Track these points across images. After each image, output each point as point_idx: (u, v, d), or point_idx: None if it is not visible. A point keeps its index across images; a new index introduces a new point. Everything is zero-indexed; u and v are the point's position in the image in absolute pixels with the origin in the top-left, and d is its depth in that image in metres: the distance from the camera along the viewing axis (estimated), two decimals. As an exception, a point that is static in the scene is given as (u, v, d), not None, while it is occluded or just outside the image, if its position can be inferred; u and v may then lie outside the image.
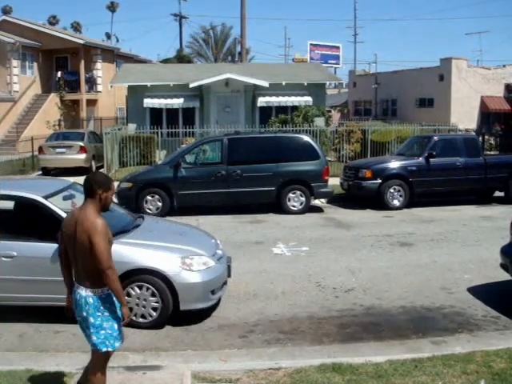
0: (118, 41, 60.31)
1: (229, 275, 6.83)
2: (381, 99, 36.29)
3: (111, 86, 27.39)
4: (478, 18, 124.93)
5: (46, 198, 6.38)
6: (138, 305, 6.07)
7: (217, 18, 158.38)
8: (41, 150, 20.25)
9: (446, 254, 9.30)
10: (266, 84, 22.66)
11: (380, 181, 13.65)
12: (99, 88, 33.89)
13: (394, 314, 6.65)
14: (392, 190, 13.67)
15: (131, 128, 22.17)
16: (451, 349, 5.50)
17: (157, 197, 12.80)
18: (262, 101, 23.20)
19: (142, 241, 6.37)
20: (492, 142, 27.43)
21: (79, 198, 7.05)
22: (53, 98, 31.15)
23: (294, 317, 6.56)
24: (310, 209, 13.35)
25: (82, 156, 19.95)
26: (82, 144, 20.03)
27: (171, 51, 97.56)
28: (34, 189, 6.64)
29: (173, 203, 12.85)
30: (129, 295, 5.99)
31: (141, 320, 6.11)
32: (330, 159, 17.22)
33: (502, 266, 7.13)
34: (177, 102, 22.97)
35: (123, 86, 25.77)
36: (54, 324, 6.19)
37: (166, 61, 40.79)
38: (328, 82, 28.22)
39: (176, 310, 6.14)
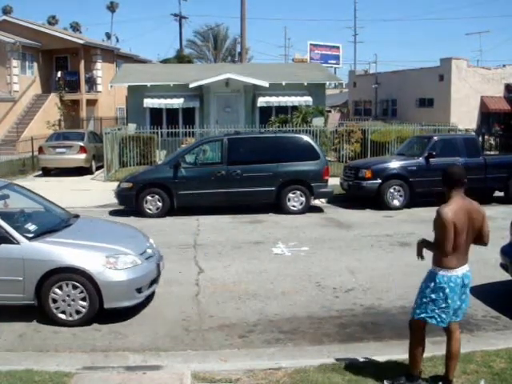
0: (117, 41, 60.43)
1: (158, 274, 6.89)
2: (381, 99, 36.29)
3: (111, 86, 27.39)
4: (477, 18, 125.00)
5: None
6: (64, 301, 6.17)
7: (217, 18, 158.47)
8: (41, 149, 20.26)
9: (445, 253, 9.29)
10: (265, 84, 22.66)
11: (380, 181, 13.65)
12: (99, 88, 33.90)
13: (393, 314, 6.65)
14: (392, 190, 13.67)
15: (131, 128, 22.18)
16: (451, 349, 5.48)
17: (157, 197, 12.80)
18: (261, 101, 23.20)
19: (68, 240, 6.48)
20: (492, 142, 27.43)
21: (14, 199, 7.30)
22: (53, 98, 31.15)
23: (294, 317, 6.56)
24: (309, 209, 13.34)
25: (82, 156, 19.96)
26: (81, 144, 20.04)
27: (171, 51, 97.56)
28: None
29: (173, 203, 12.85)
30: (55, 293, 6.16)
31: (67, 318, 6.21)
32: (329, 159, 17.22)
33: (502, 265, 7.13)
34: (177, 102, 22.97)
35: (123, 86, 25.77)
36: (53, 324, 6.18)
37: (165, 61, 40.77)
38: (328, 82, 28.21)
39: (101, 308, 6.23)
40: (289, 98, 23.14)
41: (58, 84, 31.53)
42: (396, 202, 13.67)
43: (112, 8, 70.94)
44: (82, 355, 5.52)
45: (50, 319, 6.20)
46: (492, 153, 23.26)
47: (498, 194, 14.69)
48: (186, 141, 19.75)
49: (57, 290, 6.16)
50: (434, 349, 5.52)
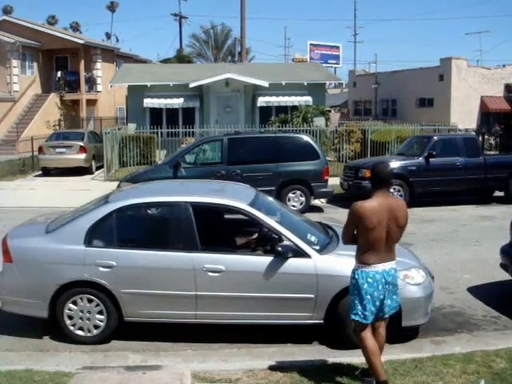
0: (117, 41, 60.38)
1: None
2: (381, 99, 36.30)
3: (111, 86, 27.38)
4: (478, 18, 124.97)
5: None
6: None
7: (217, 18, 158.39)
8: (41, 149, 20.26)
9: (446, 254, 9.30)
10: (265, 84, 22.66)
11: (380, 181, 13.61)
12: (99, 88, 33.89)
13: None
14: (392, 190, 13.64)
15: (131, 128, 22.19)
16: (451, 349, 5.49)
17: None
18: (261, 101, 23.21)
19: (350, 252, 5.37)
20: (492, 142, 27.43)
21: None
22: (53, 98, 31.16)
23: (294, 317, 6.54)
24: (309, 209, 13.33)
25: (82, 156, 19.95)
26: (81, 144, 20.04)
27: (171, 51, 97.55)
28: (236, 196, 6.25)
29: (173, 203, 12.83)
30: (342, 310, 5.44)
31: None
32: (329, 159, 17.21)
33: (502, 265, 7.13)
34: (177, 102, 22.97)
35: (123, 86, 25.78)
36: (54, 324, 6.18)
37: (165, 61, 40.78)
38: (328, 82, 28.23)
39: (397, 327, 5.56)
40: (289, 97, 23.15)
41: (58, 84, 31.57)
42: (396, 202, 13.63)
43: (112, 8, 70.84)
44: (82, 355, 5.51)
45: (339, 338, 5.62)
46: (492, 153, 23.26)
47: (497, 193, 14.70)
48: (186, 141, 19.75)
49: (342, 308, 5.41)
50: (433, 349, 5.53)
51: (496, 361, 5.07)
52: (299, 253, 5.58)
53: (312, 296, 5.56)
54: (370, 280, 4.49)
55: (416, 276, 5.74)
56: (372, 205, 4.47)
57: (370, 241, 4.47)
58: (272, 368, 5.12)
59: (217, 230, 6.42)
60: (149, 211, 6.37)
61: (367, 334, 4.59)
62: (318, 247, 5.79)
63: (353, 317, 4.60)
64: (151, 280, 5.67)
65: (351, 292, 4.62)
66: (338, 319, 5.50)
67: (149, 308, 5.73)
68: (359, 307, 4.53)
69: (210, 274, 5.58)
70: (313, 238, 6.00)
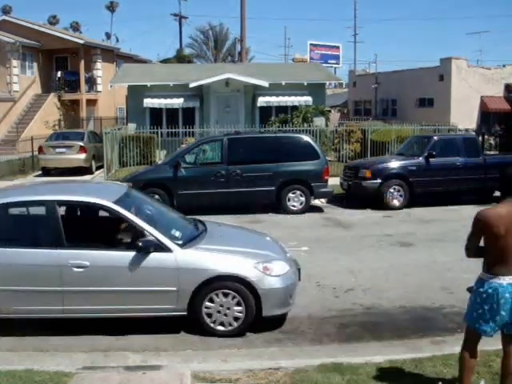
0: (117, 41, 60.25)
1: (299, 279, 6.56)
2: (381, 99, 36.30)
3: (111, 86, 27.37)
4: (477, 18, 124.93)
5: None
6: (219, 311, 5.87)
7: (217, 18, 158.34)
8: (41, 149, 20.26)
9: (445, 254, 9.30)
10: (265, 84, 22.66)
11: (380, 181, 13.65)
12: (99, 88, 33.88)
13: (393, 314, 6.65)
14: (392, 190, 13.67)
15: (131, 128, 22.18)
16: (451, 349, 5.48)
17: (157, 197, 12.75)
18: (261, 101, 23.20)
19: (217, 246, 6.16)
20: (492, 142, 27.43)
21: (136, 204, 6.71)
22: (53, 98, 31.16)
23: (294, 317, 6.55)
24: (309, 209, 13.35)
25: (82, 156, 19.96)
26: (81, 144, 20.04)
27: (171, 51, 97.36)
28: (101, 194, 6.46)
29: (173, 203, 12.84)
30: (210, 303, 5.86)
31: (226, 328, 5.92)
32: (329, 159, 17.21)
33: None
34: (177, 102, 22.96)
35: (123, 86, 25.76)
36: (53, 324, 6.18)
37: (165, 61, 40.79)
38: (328, 82, 28.22)
39: (257, 317, 5.95)
40: (289, 97, 23.14)
41: (58, 84, 31.56)
42: (396, 202, 13.67)
43: (112, 8, 70.74)
44: (82, 355, 5.52)
45: (203, 330, 5.93)
46: (492, 153, 23.26)
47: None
48: (186, 141, 19.75)
49: (212, 300, 5.85)
50: (433, 349, 5.53)
51: (496, 361, 5.06)
52: (161, 247, 5.82)
53: (174, 289, 5.81)
54: (498, 293, 4.15)
55: (276, 268, 6.04)
56: (501, 211, 4.09)
57: (499, 249, 4.09)
58: (272, 368, 5.12)
59: (83, 227, 6.59)
60: (17, 210, 6.54)
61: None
62: (180, 242, 6.03)
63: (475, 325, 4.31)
64: (20, 277, 5.82)
65: (477, 303, 4.28)
66: (198, 310, 5.85)
67: (19, 304, 5.85)
68: (481, 320, 4.26)
69: (75, 269, 5.76)
70: (177, 234, 6.25)
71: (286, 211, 13.08)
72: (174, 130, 20.24)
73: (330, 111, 26.31)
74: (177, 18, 44.93)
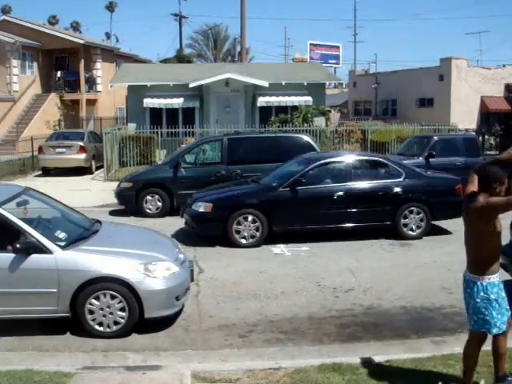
0: (117, 41, 60.15)
1: (192, 280, 6.70)
2: (381, 99, 36.28)
3: (111, 86, 27.38)
4: (477, 18, 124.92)
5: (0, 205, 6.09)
6: (102, 312, 5.87)
7: (217, 18, 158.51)
8: (41, 149, 20.26)
9: (445, 254, 9.29)
10: (265, 84, 22.66)
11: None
12: (99, 88, 33.89)
13: (394, 314, 6.65)
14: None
15: (131, 128, 22.17)
16: (451, 349, 5.49)
17: (157, 197, 12.79)
18: (261, 101, 23.21)
19: (101, 247, 6.16)
20: (492, 142, 27.42)
21: (32, 204, 6.91)
22: (53, 98, 31.14)
23: (294, 317, 6.55)
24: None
25: (82, 156, 19.96)
26: (81, 144, 20.04)
27: (171, 51, 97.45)
28: None
29: (173, 203, 12.85)
30: (92, 305, 5.86)
31: (105, 329, 5.92)
32: (329, 159, 17.17)
33: (502, 266, 7.11)
34: (177, 102, 22.98)
35: (123, 86, 25.78)
36: (53, 324, 6.18)
37: (165, 61, 40.78)
38: (328, 82, 28.23)
39: (140, 319, 5.98)
40: (289, 97, 23.15)
41: (58, 84, 31.54)
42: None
43: (111, 8, 70.70)
44: (82, 355, 5.52)
45: (86, 331, 5.93)
46: (492, 153, 23.26)
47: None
48: (186, 141, 19.75)
49: (93, 301, 5.86)
50: (433, 349, 5.54)
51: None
52: (41, 249, 5.80)
53: (54, 290, 5.79)
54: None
55: (158, 269, 6.04)
56: None
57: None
58: (272, 368, 5.12)
59: None
60: None
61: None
62: (63, 243, 6.03)
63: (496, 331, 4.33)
64: None
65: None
66: (80, 312, 5.86)
67: None
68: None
69: None
70: (61, 235, 6.28)
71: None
72: (174, 130, 20.24)
73: (330, 111, 26.31)
74: (177, 18, 45.03)
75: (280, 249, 9.74)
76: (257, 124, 22.62)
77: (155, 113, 23.34)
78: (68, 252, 5.92)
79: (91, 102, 33.15)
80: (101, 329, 5.91)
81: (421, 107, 32.08)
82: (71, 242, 6.14)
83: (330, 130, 21.58)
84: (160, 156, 20.47)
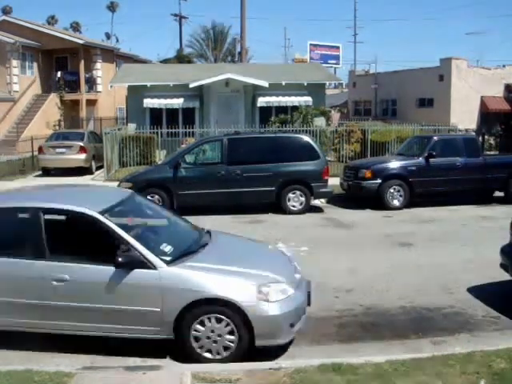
0: (117, 41, 60.28)
1: (308, 304, 5.92)
2: (381, 99, 36.28)
3: (111, 86, 27.38)
4: (478, 18, 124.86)
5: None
6: (209, 338, 5.32)
7: (217, 18, 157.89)
8: (41, 149, 20.27)
9: (445, 254, 9.30)
10: (265, 84, 22.67)
11: (380, 181, 13.65)
12: (99, 88, 33.89)
13: (394, 314, 6.65)
14: (392, 190, 13.67)
15: (131, 128, 22.17)
16: (451, 349, 5.50)
17: (157, 197, 12.79)
18: (261, 101, 23.21)
19: (210, 264, 5.57)
20: (492, 142, 27.42)
21: (137, 212, 6.40)
22: (53, 98, 31.16)
23: (294, 317, 6.54)
24: (309, 209, 13.35)
25: (82, 156, 19.96)
26: (81, 144, 20.05)
27: (171, 51, 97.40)
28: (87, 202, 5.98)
29: (173, 203, 12.85)
30: (197, 329, 5.32)
31: (214, 356, 5.38)
32: (329, 159, 17.23)
33: (502, 265, 7.13)
34: (177, 102, 22.98)
35: (123, 86, 25.78)
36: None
37: (165, 61, 40.81)
38: (328, 82, 28.23)
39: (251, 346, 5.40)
40: (289, 98, 23.15)
41: (58, 84, 31.54)
42: (396, 202, 13.67)
43: (112, 8, 70.74)
44: (82, 355, 5.52)
45: (191, 357, 5.38)
46: (492, 153, 23.27)
47: (498, 193, 14.70)
48: (186, 141, 19.75)
49: (198, 326, 5.30)
50: (433, 349, 5.54)
51: (496, 361, 5.06)
52: (144, 264, 5.38)
53: (157, 310, 5.35)
54: None
55: (273, 292, 5.40)
56: None
57: None
58: (272, 368, 5.12)
59: (66, 237, 6.10)
60: (1, 217, 6.08)
61: None
62: (168, 258, 5.52)
63: None
64: None
65: None
66: (183, 334, 5.34)
67: None
68: None
69: (55, 283, 5.46)
70: (167, 248, 5.71)
71: (286, 211, 13.07)
72: (173, 130, 20.25)
73: (330, 111, 26.30)
74: (177, 18, 45.05)
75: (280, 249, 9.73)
76: (257, 124, 22.62)
77: (155, 113, 23.35)
78: (173, 268, 5.41)
79: (91, 102, 33.15)
80: (205, 354, 5.36)
81: (421, 107, 32.08)
82: (178, 257, 5.60)
83: (330, 130, 21.58)
84: (160, 156, 20.48)
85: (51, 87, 32.66)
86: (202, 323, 5.31)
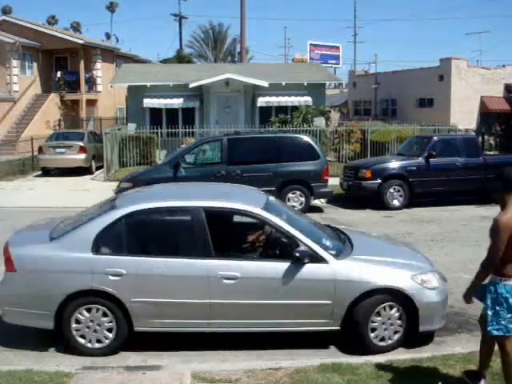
0: (117, 41, 60.14)
1: None
2: (381, 99, 36.29)
3: (111, 86, 27.39)
4: (478, 18, 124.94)
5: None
6: (384, 325, 5.54)
7: (217, 18, 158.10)
8: (41, 149, 20.26)
9: (445, 254, 9.30)
10: (265, 84, 22.66)
11: (380, 181, 13.65)
12: (99, 88, 33.92)
13: (393, 314, 6.63)
14: (392, 190, 13.67)
15: (131, 128, 22.18)
16: (451, 349, 5.50)
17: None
18: (261, 101, 23.20)
19: (370, 257, 5.82)
20: (492, 142, 27.42)
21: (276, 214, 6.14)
22: (53, 98, 31.16)
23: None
24: (309, 209, 13.33)
25: (82, 156, 19.96)
26: (81, 144, 20.04)
27: (171, 51, 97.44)
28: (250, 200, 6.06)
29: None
30: (374, 320, 5.51)
31: (385, 343, 5.59)
32: (329, 159, 17.22)
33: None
34: (176, 102, 22.96)
35: (123, 86, 25.76)
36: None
37: (165, 61, 40.82)
38: (328, 82, 28.22)
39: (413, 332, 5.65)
40: (289, 98, 23.13)
41: (58, 84, 31.56)
42: (396, 202, 13.67)
43: (111, 8, 70.74)
44: (82, 355, 5.52)
45: (364, 347, 5.57)
46: (492, 153, 23.26)
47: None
48: (186, 141, 19.75)
49: (375, 317, 5.51)
50: (433, 349, 5.54)
51: (496, 361, 5.06)
52: (316, 258, 5.51)
53: (329, 302, 5.50)
54: None
55: (432, 280, 5.72)
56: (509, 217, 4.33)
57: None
58: (272, 368, 5.12)
59: (229, 235, 6.21)
60: (160, 216, 6.11)
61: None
62: (334, 252, 5.69)
63: (495, 333, 4.32)
64: (163, 288, 5.53)
65: (491, 307, 4.34)
66: (354, 325, 5.51)
67: (160, 317, 5.58)
68: (503, 322, 4.28)
69: (225, 281, 5.47)
70: (328, 243, 5.88)
71: (286, 211, 13.06)
72: (173, 130, 20.24)
73: (329, 111, 26.31)
74: (177, 18, 44.98)
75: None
76: (257, 124, 22.61)
77: (155, 113, 23.33)
78: (342, 261, 5.60)
79: (91, 102, 33.16)
80: (380, 343, 5.59)
81: (420, 107, 32.08)
82: (340, 251, 5.81)
83: (330, 131, 21.58)
84: (160, 156, 20.48)
85: (51, 87, 32.67)
86: (379, 314, 5.51)
